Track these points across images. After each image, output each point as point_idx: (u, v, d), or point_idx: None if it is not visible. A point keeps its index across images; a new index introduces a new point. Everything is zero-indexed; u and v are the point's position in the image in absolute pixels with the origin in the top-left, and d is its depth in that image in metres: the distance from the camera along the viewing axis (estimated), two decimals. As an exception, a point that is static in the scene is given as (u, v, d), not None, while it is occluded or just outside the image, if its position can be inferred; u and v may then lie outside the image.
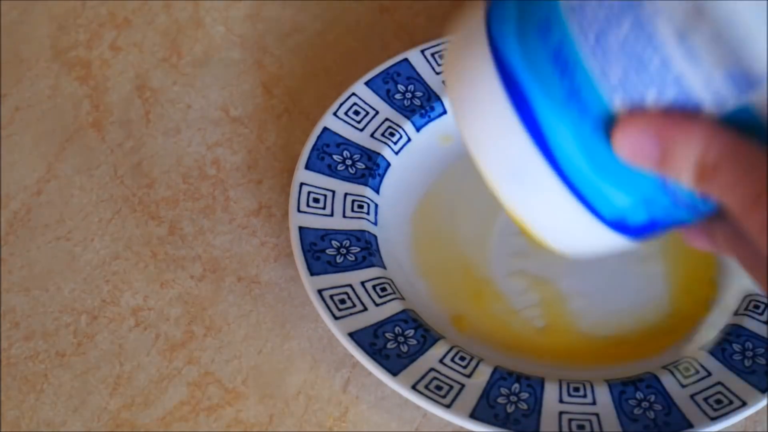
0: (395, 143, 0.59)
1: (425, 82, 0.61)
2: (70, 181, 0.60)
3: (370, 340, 0.51)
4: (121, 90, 0.64)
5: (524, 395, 0.50)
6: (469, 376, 0.51)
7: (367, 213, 0.56)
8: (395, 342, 0.51)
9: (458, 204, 0.58)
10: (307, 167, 0.57)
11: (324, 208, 0.56)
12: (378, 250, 0.55)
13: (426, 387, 0.50)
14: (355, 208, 0.56)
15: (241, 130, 0.62)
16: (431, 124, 0.60)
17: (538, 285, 0.55)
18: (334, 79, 0.64)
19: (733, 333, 0.52)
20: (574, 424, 0.49)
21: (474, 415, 0.49)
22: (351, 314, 0.52)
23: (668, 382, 0.51)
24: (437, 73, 0.62)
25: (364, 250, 0.55)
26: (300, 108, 0.63)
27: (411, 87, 0.61)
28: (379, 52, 0.65)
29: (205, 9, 0.68)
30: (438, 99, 0.61)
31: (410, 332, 0.52)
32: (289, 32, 0.67)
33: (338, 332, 0.51)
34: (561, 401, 0.50)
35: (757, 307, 0.53)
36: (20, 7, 0.68)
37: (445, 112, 0.61)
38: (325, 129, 0.59)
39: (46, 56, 0.65)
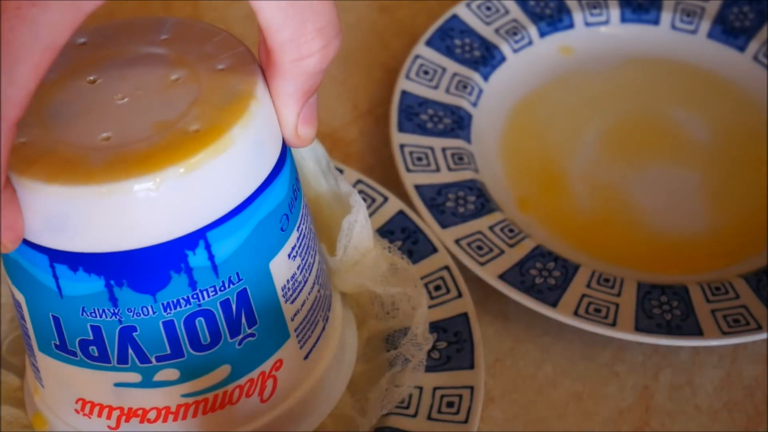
0: (516, 42, 0.64)
1: (560, -5, 0.65)
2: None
3: (432, 196, 0.56)
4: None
5: (556, 273, 0.54)
6: (512, 246, 0.55)
7: (470, 94, 0.61)
8: (455, 203, 0.56)
9: (559, 107, 0.62)
10: (428, 43, 0.62)
11: (431, 80, 0.61)
12: (468, 127, 0.60)
13: (468, 245, 0.54)
14: (459, 88, 0.61)
15: (241, 129, 0.63)
16: (556, 34, 0.64)
17: (608, 192, 0.58)
18: (335, 79, 0.65)
19: (775, 269, 0.54)
20: (591, 306, 0.52)
21: (503, 277, 0.53)
22: (423, 171, 0.57)
23: (696, 294, 0.53)
24: (575, -10, 0.66)
25: (455, 123, 0.60)
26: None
27: (546, -4, 0.65)
28: (380, 52, 0.66)
29: (204, 8, 0.68)
30: (569, 13, 0.65)
31: (472, 198, 0.56)
32: (290, 31, 0.69)
33: (406, 182, 0.56)
34: (588, 286, 0.53)
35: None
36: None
37: (571, 25, 0.65)
38: (454, 16, 0.64)
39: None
